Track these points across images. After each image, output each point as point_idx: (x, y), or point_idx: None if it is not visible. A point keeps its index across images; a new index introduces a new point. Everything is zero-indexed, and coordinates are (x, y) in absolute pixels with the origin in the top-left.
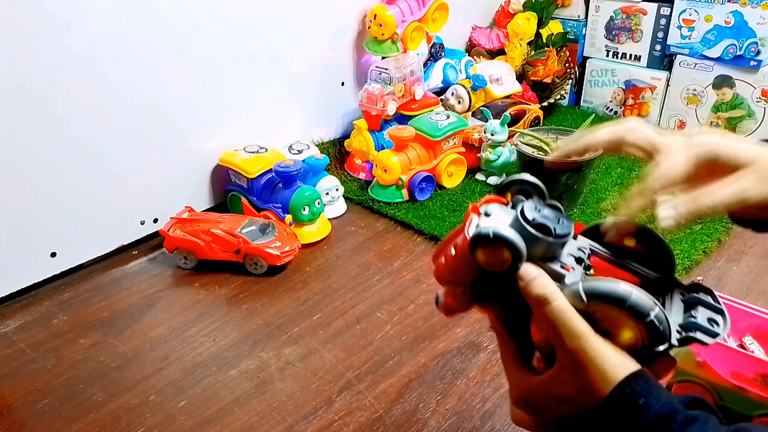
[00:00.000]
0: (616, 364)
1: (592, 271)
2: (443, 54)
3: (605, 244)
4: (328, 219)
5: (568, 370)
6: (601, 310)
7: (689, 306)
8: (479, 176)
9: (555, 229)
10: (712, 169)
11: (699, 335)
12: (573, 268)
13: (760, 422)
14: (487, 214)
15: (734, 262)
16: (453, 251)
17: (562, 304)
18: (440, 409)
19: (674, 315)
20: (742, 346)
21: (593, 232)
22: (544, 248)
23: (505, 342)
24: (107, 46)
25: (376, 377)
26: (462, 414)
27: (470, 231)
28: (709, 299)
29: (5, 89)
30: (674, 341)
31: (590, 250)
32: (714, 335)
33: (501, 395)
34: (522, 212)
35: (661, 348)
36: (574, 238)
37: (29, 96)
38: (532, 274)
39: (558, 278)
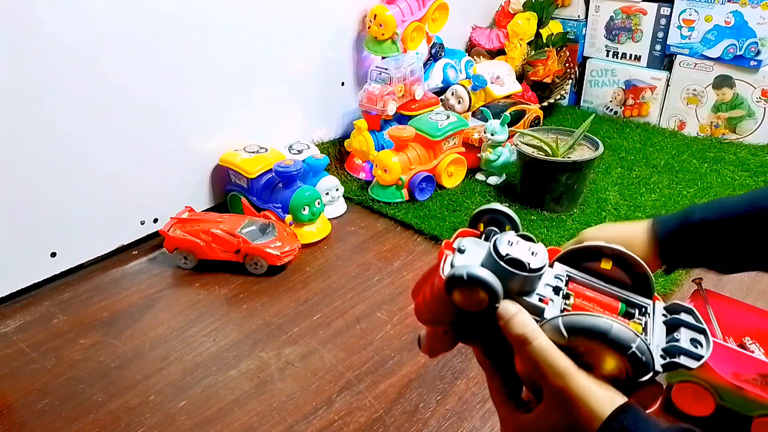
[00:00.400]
0: (603, 399)
1: (572, 299)
2: (443, 54)
3: (582, 268)
4: (328, 219)
5: (555, 409)
6: (582, 343)
7: (671, 328)
8: (479, 176)
9: (529, 264)
10: None
11: (683, 359)
12: (552, 300)
13: (760, 422)
14: (460, 251)
15: None
16: (430, 291)
17: (542, 342)
18: (440, 409)
19: (657, 338)
20: (742, 346)
21: (569, 257)
22: (520, 283)
23: (491, 377)
24: (107, 47)
25: (376, 377)
26: (462, 414)
27: (445, 271)
28: (691, 319)
29: (5, 89)
30: (658, 367)
31: (567, 276)
32: (698, 358)
33: None
34: (495, 248)
35: (645, 378)
36: (550, 265)
37: (29, 96)
38: (511, 311)
39: (537, 312)
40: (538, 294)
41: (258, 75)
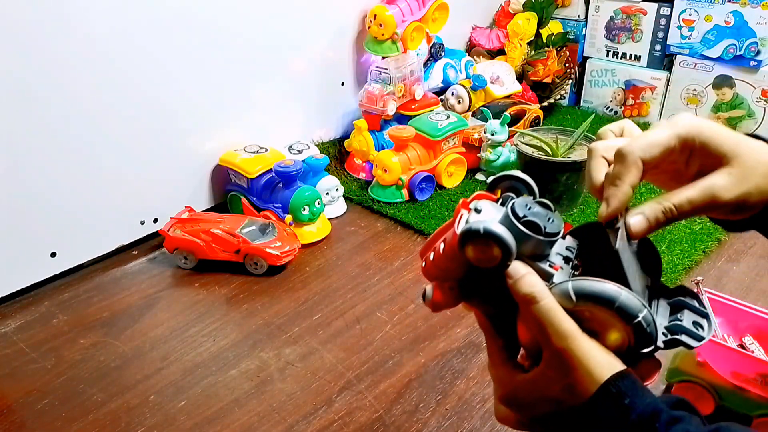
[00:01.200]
0: (603, 364)
1: (579, 271)
2: (443, 54)
3: (590, 243)
4: (328, 219)
5: (554, 369)
6: (589, 309)
7: (675, 309)
8: (479, 176)
9: (545, 228)
10: (694, 156)
11: (684, 338)
12: (561, 268)
13: (759, 422)
14: (477, 210)
15: (734, 262)
16: (441, 247)
17: (549, 303)
18: (440, 409)
19: (660, 318)
20: (742, 346)
21: (581, 233)
22: (533, 246)
23: (492, 338)
24: (107, 47)
25: (376, 377)
26: (462, 414)
27: (460, 227)
28: (695, 303)
29: (5, 89)
30: (660, 344)
31: (576, 250)
32: (699, 339)
33: None
34: (513, 209)
35: (647, 350)
36: (563, 237)
37: (29, 96)
38: (520, 272)
39: (546, 277)
40: (549, 260)
41: (258, 75)
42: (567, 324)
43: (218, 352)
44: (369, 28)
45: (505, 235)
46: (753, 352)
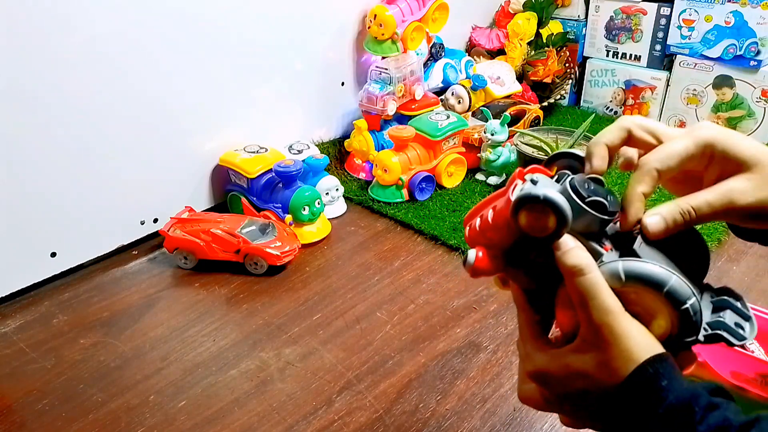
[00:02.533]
0: (641, 344)
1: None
2: (443, 54)
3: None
4: (328, 219)
5: (591, 344)
6: (636, 292)
7: (718, 308)
8: (479, 176)
9: (607, 206)
10: (713, 163)
11: (726, 335)
12: (612, 249)
13: None
14: (533, 182)
15: (734, 262)
16: (490, 214)
17: (596, 277)
18: (440, 409)
19: (703, 313)
20: (742, 346)
21: None
22: (587, 223)
23: (525, 312)
24: (107, 47)
25: (376, 377)
26: (462, 414)
27: (515, 194)
28: (738, 305)
29: (5, 89)
30: (701, 337)
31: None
32: (741, 338)
33: (501, 395)
34: (572, 184)
35: (689, 339)
36: (615, 222)
37: (29, 96)
38: (569, 244)
39: (596, 255)
40: (600, 240)
41: (258, 75)
42: (610, 300)
43: (218, 352)
44: (369, 28)
45: (564, 204)
46: (753, 352)
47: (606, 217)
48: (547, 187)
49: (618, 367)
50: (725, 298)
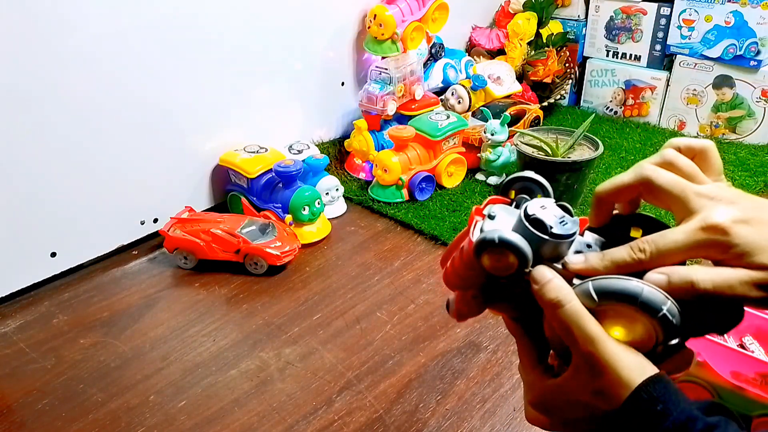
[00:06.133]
0: (632, 367)
1: None
2: (443, 54)
3: (612, 237)
4: (328, 219)
5: (583, 373)
6: (612, 308)
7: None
8: (479, 176)
9: (551, 228)
10: (720, 251)
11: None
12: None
13: (759, 422)
14: (491, 217)
15: None
16: (459, 256)
17: (574, 306)
18: (440, 409)
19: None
20: (742, 346)
21: (603, 227)
22: (551, 248)
23: (522, 342)
24: (107, 47)
25: (376, 377)
26: (462, 414)
27: (475, 235)
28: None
29: (4, 89)
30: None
31: (599, 244)
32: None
33: (501, 395)
34: (526, 213)
35: (675, 341)
36: (581, 234)
37: (29, 96)
38: (546, 277)
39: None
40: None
41: (258, 75)
42: (592, 327)
43: (218, 352)
44: (369, 28)
45: (520, 243)
46: (753, 352)
47: (564, 240)
48: (503, 221)
49: (613, 395)
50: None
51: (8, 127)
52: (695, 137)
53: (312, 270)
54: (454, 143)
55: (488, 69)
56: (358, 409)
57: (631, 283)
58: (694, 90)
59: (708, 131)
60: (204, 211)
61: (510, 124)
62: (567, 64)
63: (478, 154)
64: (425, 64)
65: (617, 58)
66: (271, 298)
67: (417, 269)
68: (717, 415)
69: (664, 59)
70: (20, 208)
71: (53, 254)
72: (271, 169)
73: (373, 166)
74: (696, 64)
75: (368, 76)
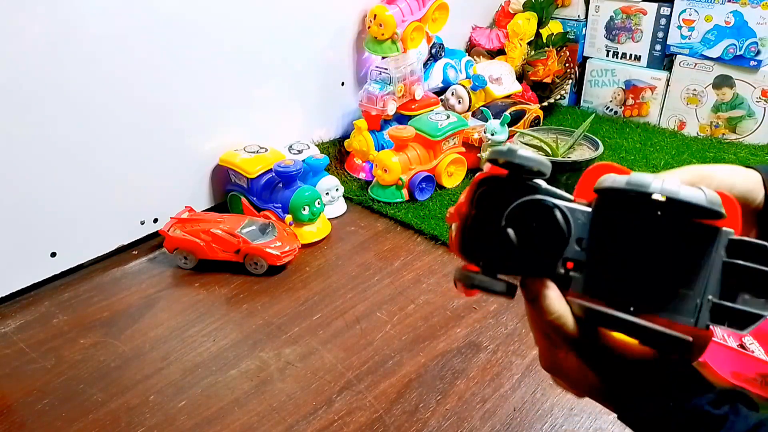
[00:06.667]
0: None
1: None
2: (443, 54)
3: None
4: (328, 219)
5: (590, 377)
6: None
7: (730, 272)
8: None
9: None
10: None
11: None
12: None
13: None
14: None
15: None
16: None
17: (568, 323)
18: (440, 409)
19: (711, 286)
20: (742, 346)
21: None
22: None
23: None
24: (107, 47)
25: (376, 377)
26: (462, 414)
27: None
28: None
29: (5, 89)
30: (704, 323)
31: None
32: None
33: (501, 395)
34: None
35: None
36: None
37: (29, 96)
38: (555, 311)
39: (563, 283)
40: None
41: (258, 75)
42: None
43: (218, 352)
44: (369, 28)
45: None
46: (753, 352)
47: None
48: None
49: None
50: (740, 262)
51: (8, 127)
52: (695, 137)
53: (312, 270)
54: (454, 143)
55: (488, 69)
56: (358, 409)
57: (619, 315)
58: (694, 90)
59: (708, 131)
60: (204, 211)
61: (510, 124)
62: (567, 64)
63: (478, 154)
64: (425, 64)
65: (617, 58)
66: (271, 298)
67: (417, 269)
68: (726, 402)
69: (664, 59)
70: (20, 208)
71: (53, 254)
72: (271, 169)
73: (373, 166)
74: (696, 64)
75: (368, 76)
